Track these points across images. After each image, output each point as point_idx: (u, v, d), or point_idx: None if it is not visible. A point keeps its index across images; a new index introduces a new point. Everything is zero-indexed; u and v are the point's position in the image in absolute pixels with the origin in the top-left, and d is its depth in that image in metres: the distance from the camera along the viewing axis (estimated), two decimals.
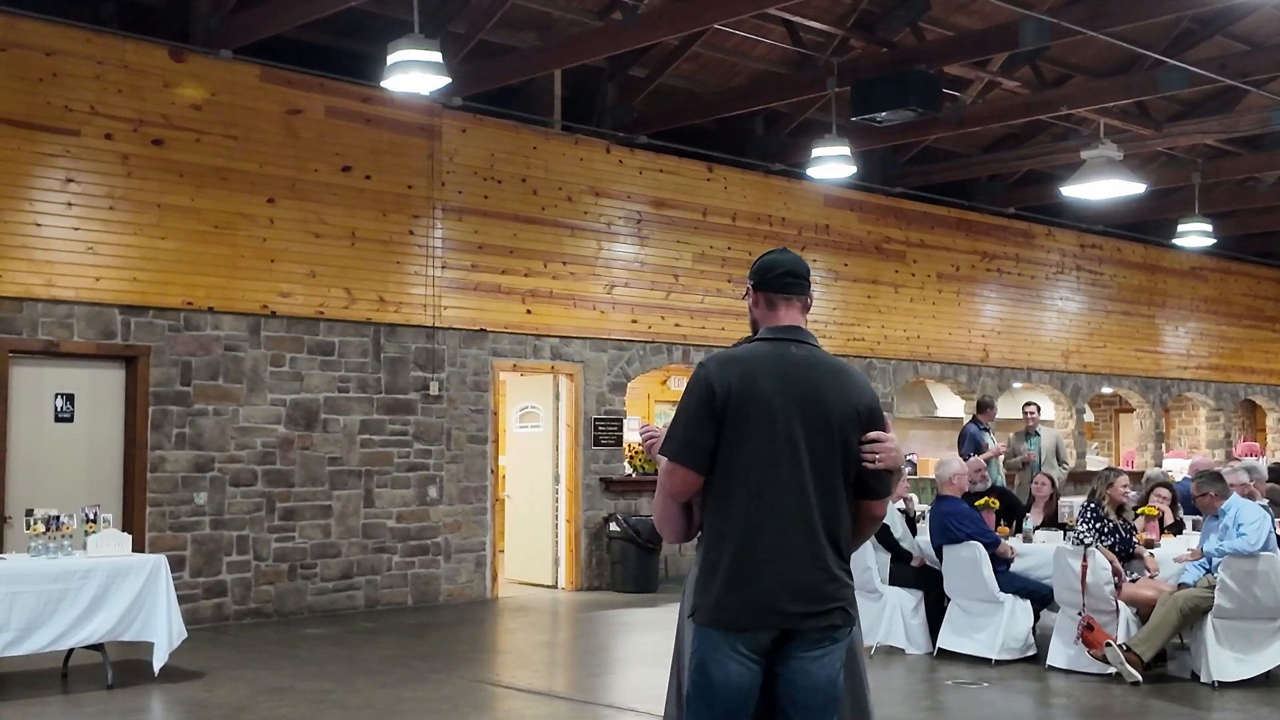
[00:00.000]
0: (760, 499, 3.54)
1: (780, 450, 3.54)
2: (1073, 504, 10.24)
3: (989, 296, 17.60)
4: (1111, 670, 8.10)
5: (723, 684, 3.52)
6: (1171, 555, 8.87)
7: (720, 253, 14.38)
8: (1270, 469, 11.90)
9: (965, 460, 11.49)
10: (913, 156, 17.02)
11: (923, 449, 19.15)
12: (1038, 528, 9.95)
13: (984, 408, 14.70)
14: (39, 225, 9.97)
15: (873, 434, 3.60)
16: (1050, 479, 10.89)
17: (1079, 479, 16.73)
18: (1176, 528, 9.99)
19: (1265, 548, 8.00)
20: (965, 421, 15.68)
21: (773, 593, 3.51)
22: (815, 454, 3.55)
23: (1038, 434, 14.45)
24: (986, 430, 14.38)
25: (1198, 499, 8.52)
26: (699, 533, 3.68)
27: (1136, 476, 12.77)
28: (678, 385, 16.40)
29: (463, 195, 12.38)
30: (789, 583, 3.51)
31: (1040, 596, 8.98)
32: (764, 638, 3.52)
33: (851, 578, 3.63)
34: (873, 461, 3.58)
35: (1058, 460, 14.36)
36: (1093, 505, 8.84)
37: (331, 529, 11.43)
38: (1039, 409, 14.86)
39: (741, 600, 3.52)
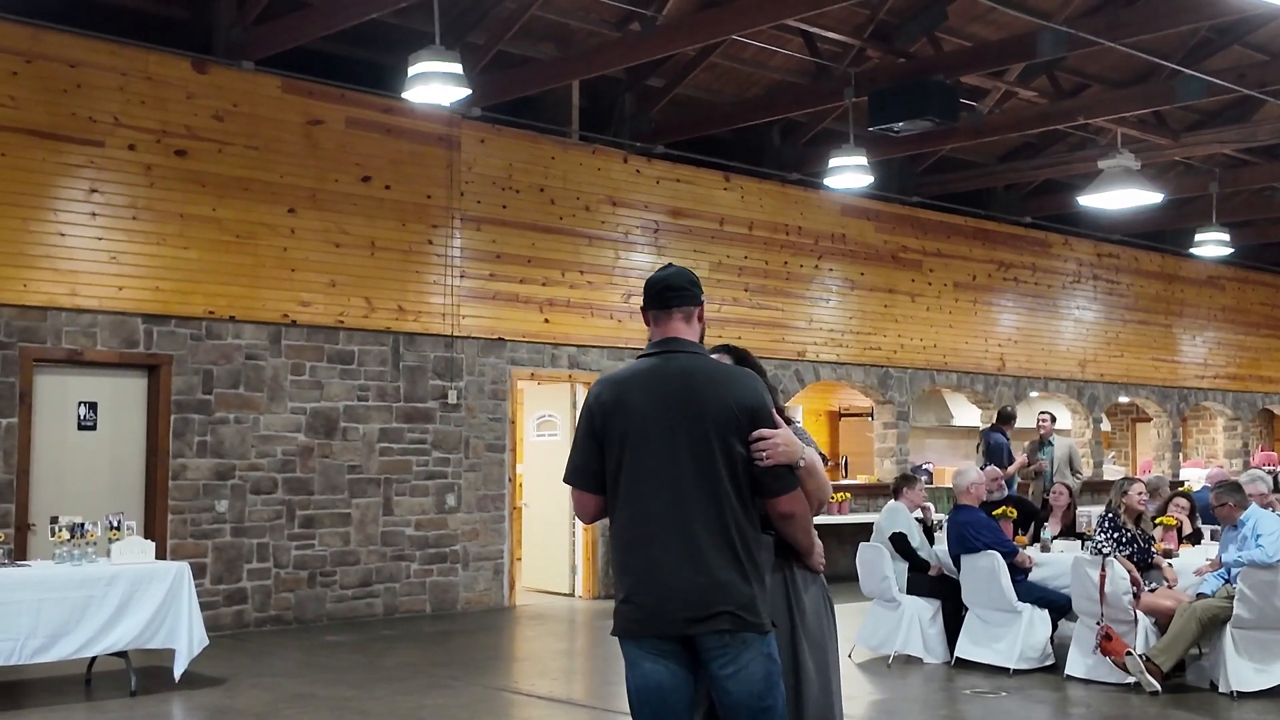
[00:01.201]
0: (640, 511, 3.67)
1: (655, 462, 3.65)
2: (1090, 513, 10.25)
3: (1005, 305, 17.59)
4: (1130, 680, 8.10)
5: (642, 686, 3.67)
6: (1189, 565, 8.88)
7: (737, 262, 14.42)
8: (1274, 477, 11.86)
9: (999, 469, 11.54)
10: (929, 166, 17.04)
11: (939, 458, 19.13)
12: (1056, 537, 9.96)
13: (1009, 419, 14.76)
14: (63, 235, 10.07)
15: (757, 432, 3.64)
16: (1068, 488, 10.90)
17: (1096, 488, 16.72)
18: (1195, 537, 9.98)
19: None
20: (983, 429, 15.69)
21: (656, 601, 3.62)
22: (694, 461, 3.62)
23: (1051, 443, 14.46)
24: (1009, 441, 14.46)
25: (1217, 509, 8.50)
26: None
27: None
28: None
29: (481, 205, 12.45)
30: (669, 590, 3.60)
31: (1058, 606, 8.98)
32: (665, 642, 3.62)
33: (750, 581, 3.60)
34: (761, 459, 3.62)
35: (1071, 470, 14.38)
36: (1111, 515, 8.85)
37: (351, 537, 11.50)
38: (1053, 418, 14.87)
39: (632, 609, 3.67)
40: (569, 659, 10.58)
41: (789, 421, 4.05)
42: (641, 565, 3.65)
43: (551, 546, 13.61)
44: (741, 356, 4.17)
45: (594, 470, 3.75)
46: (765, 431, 3.64)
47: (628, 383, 3.75)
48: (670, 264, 4.00)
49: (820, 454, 4.01)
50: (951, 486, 9.84)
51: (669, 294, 3.81)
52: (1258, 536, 8.09)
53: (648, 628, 3.63)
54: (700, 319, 3.85)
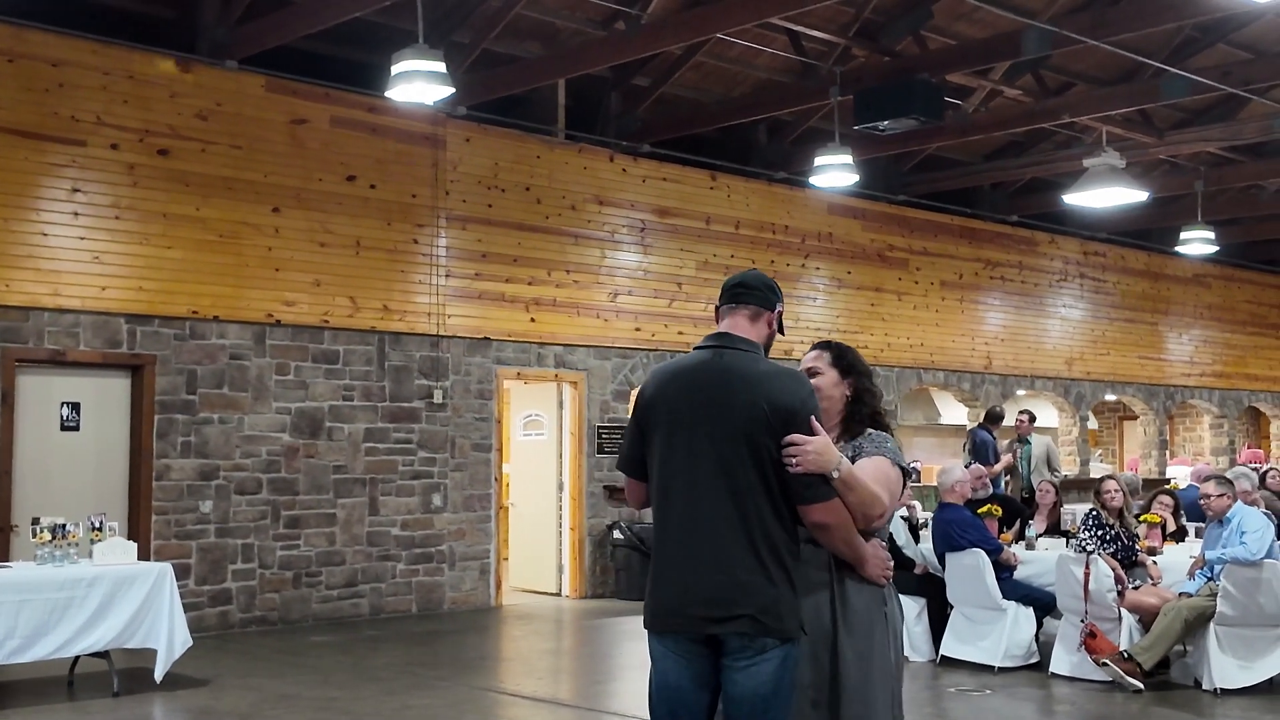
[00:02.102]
0: (668, 505, 3.66)
1: (683, 456, 3.63)
2: (1076, 511, 10.26)
3: (992, 304, 17.62)
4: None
5: (660, 683, 3.66)
6: (1173, 562, 8.90)
7: (724, 261, 14.41)
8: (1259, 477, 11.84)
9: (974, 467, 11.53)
10: (915, 164, 17.06)
11: (927, 456, 19.15)
12: (1041, 535, 9.97)
13: (997, 418, 14.81)
14: (45, 235, 10.03)
15: (789, 437, 3.55)
16: (1054, 486, 10.92)
17: (1083, 486, 16.74)
18: (1179, 535, 10.00)
19: (1269, 555, 8.00)
20: (970, 428, 15.72)
21: (675, 598, 3.61)
22: (721, 458, 3.57)
23: (1028, 441, 14.52)
24: (995, 439, 14.52)
25: (1215, 499, 8.42)
26: None
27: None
28: None
29: (467, 204, 12.43)
30: (688, 588, 3.58)
31: (1043, 604, 8.99)
32: (687, 641, 3.59)
33: (776, 584, 3.53)
34: (791, 465, 3.54)
35: (1049, 468, 14.44)
36: (1095, 512, 8.86)
37: (336, 537, 11.47)
38: (1031, 418, 14.89)
39: (655, 604, 3.66)
40: (555, 659, 10.57)
41: (885, 428, 3.94)
42: (667, 560, 3.65)
43: (538, 546, 13.59)
44: (840, 353, 4.00)
45: (637, 458, 3.77)
46: (797, 437, 3.54)
47: (671, 375, 3.74)
48: (752, 269, 4.01)
49: (903, 468, 3.86)
50: (937, 485, 9.84)
51: (739, 289, 3.79)
52: (1241, 534, 8.10)
53: (669, 624, 3.62)
54: (770, 325, 3.80)
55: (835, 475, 3.56)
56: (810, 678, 3.68)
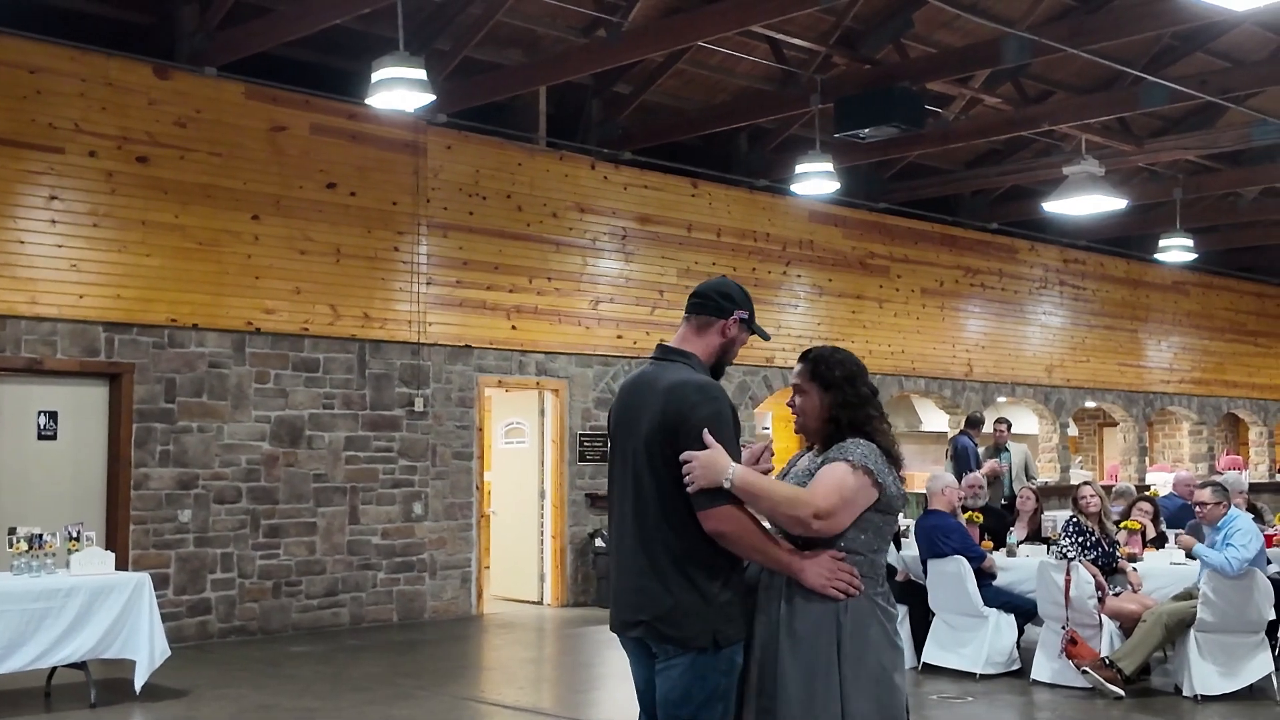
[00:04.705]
0: (609, 514, 3.89)
1: (616, 467, 3.82)
2: (1056, 518, 10.29)
3: (973, 311, 17.67)
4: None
5: (632, 676, 3.89)
6: (1153, 569, 8.92)
7: (705, 268, 14.40)
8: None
9: (970, 476, 11.54)
10: (896, 172, 17.10)
11: (907, 463, 19.08)
12: (1021, 542, 9.98)
13: (977, 423, 14.84)
14: (22, 242, 9.96)
15: (682, 455, 3.54)
16: (1034, 493, 10.94)
17: (1064, 493, 16.79)
18: (1159, 541, 10.02)
19: (1253, 563, 8.00)
20: (953, 435, 15.74)
21: (612, 604, 3.84)
22: (635, 470, 3.69)
23: (1007, 450, 14.57)
24: (976, 445, 14.55)
25: (1212, 507, 8.40)
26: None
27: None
28: None
29: (448, 211, 12.40)
30: (614, 594, 3.80)
31: (1024, 611, 9.01)
32: (626, 642, 3.79)
33: (673, 593, 3.56)
34: (687, 484, 3.53)
35: (1027, 475, 14.50)
36: (1075, 519, 8.88)
37: (316, 546, 11.41)
38: (1009, 426, 14.93)
39: (611, 609, 3.89)
40: (537, 667, 10.53)
41: (868, 434, 3.74)
42: (612, 569, 3.86)
43: (519, 554, 13.55)
44: (817, 367, 3.79)
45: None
46: (689, 455, 3.53)
47: (620, 390, 3.92)
48: (724, 276, 4.02)
49: (865, 466, 3.66)
50: (925, 491, 9.84)
51: (693, 300, 3.83)
52: (1228, 544, 8.06)
53: (613, 627, 3.82)
54: (724, 333, 3.76)
55: (728, 484, 3.51)
56: (758, 687, 3.70)
